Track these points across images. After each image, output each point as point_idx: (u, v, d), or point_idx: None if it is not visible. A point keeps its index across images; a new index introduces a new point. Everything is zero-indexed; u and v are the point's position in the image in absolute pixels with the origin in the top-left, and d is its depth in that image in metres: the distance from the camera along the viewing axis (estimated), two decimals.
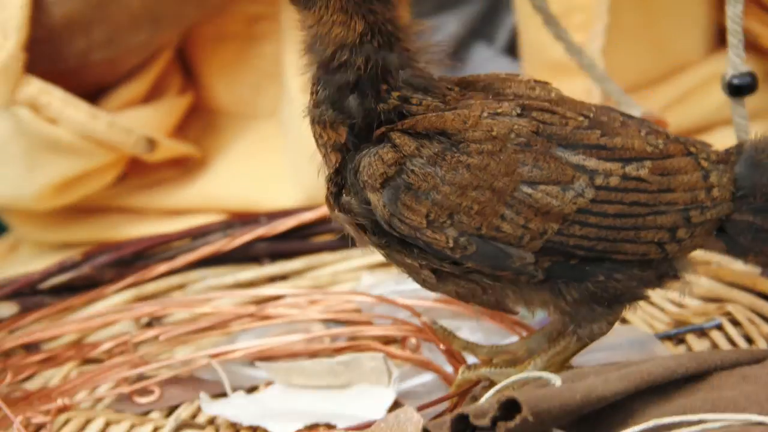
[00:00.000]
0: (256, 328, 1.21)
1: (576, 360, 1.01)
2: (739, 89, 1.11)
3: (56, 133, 1.35)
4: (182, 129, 1.47)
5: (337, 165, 0.95)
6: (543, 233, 0.94)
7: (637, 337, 1.11)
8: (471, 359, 1.07)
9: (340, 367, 1.12)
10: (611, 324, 0.99)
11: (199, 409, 1.13)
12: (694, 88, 1.45)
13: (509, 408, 0.86)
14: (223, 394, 1.14)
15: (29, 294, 1.25)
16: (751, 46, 1.48)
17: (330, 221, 1.26)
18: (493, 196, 0.94)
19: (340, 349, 1.17)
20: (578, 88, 1.37)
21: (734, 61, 1.10)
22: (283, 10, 1.38)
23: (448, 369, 1.10)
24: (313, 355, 1.17)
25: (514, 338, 1.11)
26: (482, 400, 0.91)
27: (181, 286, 1.28)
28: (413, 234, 0.95)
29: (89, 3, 1.33)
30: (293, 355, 1.17)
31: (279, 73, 1.39)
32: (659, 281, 0.99)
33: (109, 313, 1.23)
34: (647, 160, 0.96)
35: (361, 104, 0.94)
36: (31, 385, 1.19)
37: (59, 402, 1.15)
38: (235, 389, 1.15)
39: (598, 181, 0.94)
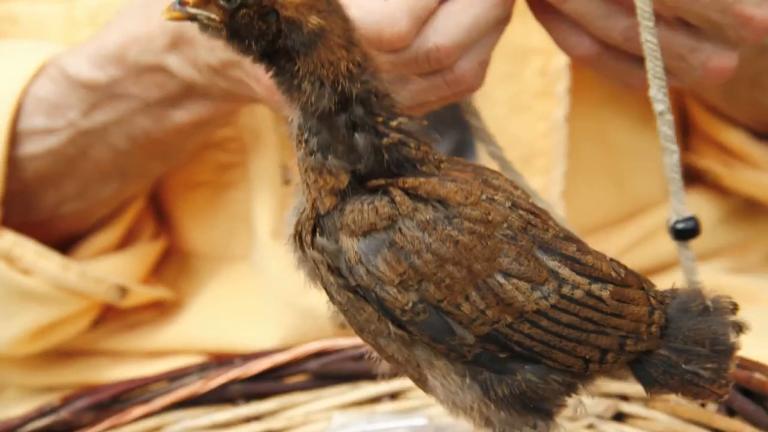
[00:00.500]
0: None
1: None
2: (683, 233, 1.14)
3: (30, 284, 1.35)
4: (157, 271, 1.47)
5: (331, 208, 0.96)
6: (495, 322, 0.96)
7: None
8: None
9: None
10: None
11: None
12: (656, 230, 1.45)
13: None
14: None
15: None
16: (714, 185, 1.51)
17: (304, 362, 1.28)
18: (468, 276, 0.95)
19: None
20: None
21: (676, 207, 1.14)
22: (251, 158, 1.40)
23: None
24: None
25: None
26: None
27: (157, 428, 1.26)
28: (371, 286, 0.95)
29: (60, 159, 1.33)
30: None
31: (249, 218, 1.40)
32: (566, 392, 1.00)
33: None
34: (610, 283, 0.98)
35: (368, 141, 0.95)
36: None
37: None
38: None
39: (565, 290, 0.97)
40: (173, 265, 1.48)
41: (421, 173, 0.97)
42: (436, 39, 1.09)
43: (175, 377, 1.28)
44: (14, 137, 1.32)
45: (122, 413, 1.26)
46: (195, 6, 0.97)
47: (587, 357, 0.97)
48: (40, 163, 1.34)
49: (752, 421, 1.12)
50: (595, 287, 0.98)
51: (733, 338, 1.00)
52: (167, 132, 1.32)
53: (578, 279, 0.97)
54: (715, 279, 1.40)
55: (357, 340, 1.03)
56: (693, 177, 1.51)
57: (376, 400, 1.27)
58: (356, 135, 0.95)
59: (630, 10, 1.09)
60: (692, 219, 1.15)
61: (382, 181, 0.96)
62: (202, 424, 1.27)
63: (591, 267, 0.98)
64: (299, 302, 1.33)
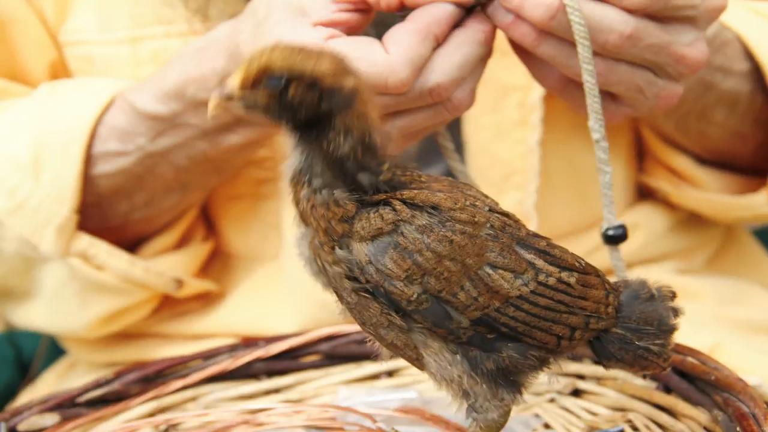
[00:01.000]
0: None
1: None
2: (613, 239, 1.14)
3: (102, 278, 1.34)
4: (205, 269, 1.46)
5: (343, 233, 0.94)
6: (485, 307, 0.95)
7: None
8: None
9: None
10: (506, 414, 0.98)
11: None
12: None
13: None
14: None
15: (69, 406, 1.23)
16: (664, 201, 1.48)
17: (316, 344, 1.26)
18: (462, 269, 0.95)
19: None
20: None
21: (608, 218, 1.14)
22: (282, 174, 1.38)
23: None
24: None
25: None
26: None
27: (193, 398, 1.25)
28: (380, 282, 0.94)
29: (130, 177, 1.32)
30: None
31: (279, 225, 1.39)
32: (540, 367, 0.99)
33: (134, 421, 1.21)
34: (575, 272, 0.98)
35: (370, 179, 0.94)
36: None
37: None
38: None
39: (541, 278, 0.97)
40: (217, 263, 1.46)
41: (412, 189, 0.96)
42: (435, 78, 1.09)
43: (209, 356, 1.26)
44: (89, 158, 1.31)
45: (164, 385, 1.24)
46: (241, 96, 0.94)
47: (560, 334, 0.97)
48: (113, 179, 1.33)
49: (685, 397, 1.11)
50: (564, 275, 0.98)
51: (673, 320, 1.01)
52: (221, 152, 1.30)
53: (551, 268, 0.97)
54: (663, 278, 1.36)
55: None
56: (646, 194, 1.49)
57: (375, 377, 1.25)
58: (360, 175, 0.94)
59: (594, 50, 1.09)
60: (621, 227, 1.15)
61: (383, 195, 0.95)
62: (230, 395, 1.25)
63: (559, 258, 0.98)
64: (317, 297, 1.29)
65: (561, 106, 1.35)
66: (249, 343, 1.27)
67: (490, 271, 0.95)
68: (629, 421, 1.13)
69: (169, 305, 1.44)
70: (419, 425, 1.15)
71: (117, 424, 1.21)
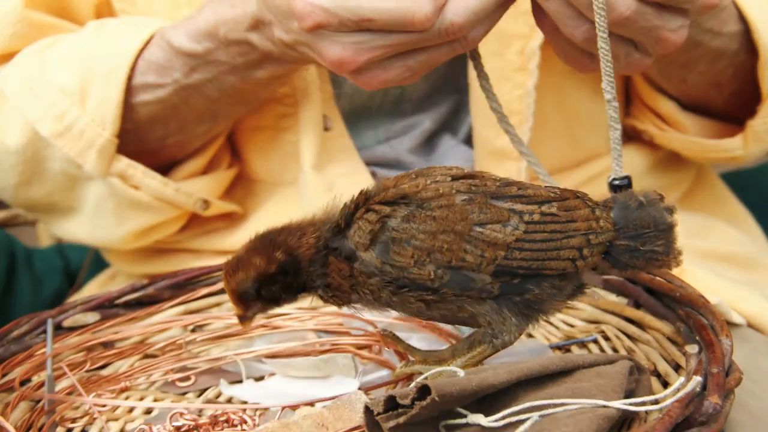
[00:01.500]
0: (268, 335, 1.23)
1: (487, 362, 1.02)
2: (619, 188, 1.13)
3: (138, 196, 1.37)
4: (230, 192, 1.48)
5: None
6: (495, 259, 0.96)
7: (535, 346, 1.12)
8: None
9: (321, 363, 1.13)
10: (519, 335, 1.00)
11: (220, 393, 1.15)
12: (600, 173, 1.45)
13: (424, 391, 0.89)
14: (239, 381, 1.16)
15: (108, 307, 1.27)
16: (648, 143, 1.50)
17: None
18: (456, 236, 0.96)
19: (324, 351, 1.18)
20: (512, 169, 1.39)
21: (616, 169, 1.13)
22: (300, 110, 1.40)
23: None
24: (305, 355, 1.18)
25: (446, 345, 1.13)
26: (410, 386, 0.93)
27: (218, 304, 1.28)
28: (401, 275, 0.97)
29: (166, 106, 1.34)
30: (292, 355, 1.19)
31: (298, 154, 1.41)
32: (574, 292, 1.01)
33: (165, 321, 1.25)
34: (553, 202, 0.99)
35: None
36: (105, 372, 1.20)
37: (123, 384, 1.17)
38: (248, 378, 1.16)
39: (526, 218, 0.97)
40: (242, 187, 1.48)
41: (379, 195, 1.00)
42: (451, 18, 1.09)
43: None
44: (130, 89, 1.33)
45: (192, 292, 1.28)
46: (242, 315, 1.05)
47: (571, 257, 0.98)
48: (150, 108, 1.35)
49: (652, 311, 1.13)
50: (545, 207, 0.98)
51: (669, 218, 1.00)
52: (249, 85, 1.32)
53: (530, 207, 0.98)
54: None
55: None
56: (631, 136, 1.51)
57: None
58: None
59: (590, 18, 1.08)
60: (626, 177, 1.14)
61: (361, 211, 0.99)
62: None
63: (534, 196, 0.99)
64: None
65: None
66: None
67: (480, 229, 0.96)
68: (602, 332, 1.16)
69: (198, 224, 1.47)
70: (415, 332, 1.18)
71: (150, 324, 1.25)
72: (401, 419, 0.89)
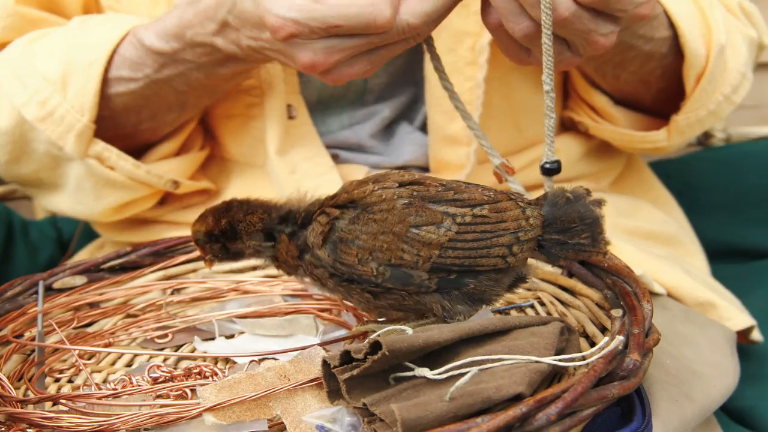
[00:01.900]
0: (239, 299, 1.25)
1: None
2: (549, 171, 1.15)
3: (113, 176, 1.38)
4: (205, 170, 1.50)
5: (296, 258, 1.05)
6: (430, 257, 0.99)
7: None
8: None
9: (285, 323, 1.16)
10: (469, 317, 1.03)
11: (195, 348, 1.17)
12: (540, 157, 1.39)
13: (376, 347, 0.92)
14: (212, 339, 1.18)
15: (94, 271, 1.29)
16: (583, 133, 1.53)
17: None
18: (395, 237, 0.99)
19: (288, 312, 1.21)
20: (461, 153, 1.42)
21: (548, 154, 1.15)
22: (266, 100, 1.42)
23: None
24: (272, 316, 1.20)
25: None
26: (364, 342, 0.96)
27: (194, 270, 1.30)
28: (349, 271, 1.00)
29: (138, 97, 1.36)
30: (260, 316, 1.21)
31: (264, 140, 1.43)
32: (514, 283, 1.04)
33: (146, 285, 1.27)
34: (486, 204, 1.01)
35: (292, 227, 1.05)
36: (91, 329, 1.23)
37: (107, 340, 1.19)
38: (220, 336, 1.18)
39: (458, 220, 1.00)
40: (216, 166, 1.50)
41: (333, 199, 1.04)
42: (408, 19, 1.13)
43: None
44: (106, 81, 1.35)
45: (171, 258, 1.30)
46: (203, 258, 1.11)
47: (501, 254, 1.00)
48: (124, 98, 1.36)
49: (583, 280, 1.17)
50: (476, 210, 1.01)
51: (596, 212, 1.01)
52: (214, 80, 1.34)
53: (463, 210, 1.00)
54: None
55: None
56: (568, 126, 1.54)
57: None
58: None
59: (531, 15, 1.11)
60: (557, 162, 1.16)
61: (318, 212, 1.03)
62: (224, 268, 1.31)
63: (468, 200, 1.01)
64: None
65: None
66: None
67: (416, 230, 0.99)
68: (538, 298, 1.19)
69: (176, 199, 1.49)
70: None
71: (132, 287, 1.27)
72: (355, 371, 0.93)
